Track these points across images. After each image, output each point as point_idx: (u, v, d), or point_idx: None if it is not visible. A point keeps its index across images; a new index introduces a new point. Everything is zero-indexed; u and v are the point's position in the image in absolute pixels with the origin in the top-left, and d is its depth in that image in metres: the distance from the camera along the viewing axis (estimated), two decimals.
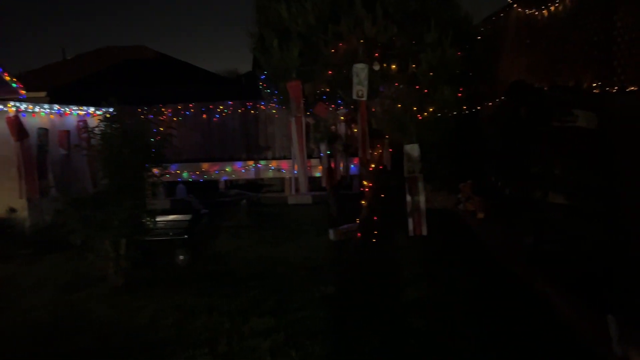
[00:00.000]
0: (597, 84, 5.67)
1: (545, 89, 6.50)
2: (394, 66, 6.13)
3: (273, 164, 11.76)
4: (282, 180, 12.31)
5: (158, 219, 6.81)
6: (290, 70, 6.28)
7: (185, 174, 11.73)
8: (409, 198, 6.45)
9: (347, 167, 8.33)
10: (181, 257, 6.79)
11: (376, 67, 6.09)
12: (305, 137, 6.61)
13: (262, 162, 11.81)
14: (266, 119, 12.39)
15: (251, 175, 11.83)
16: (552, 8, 6.89)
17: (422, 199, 6.38)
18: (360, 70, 6.00)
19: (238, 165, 11.79)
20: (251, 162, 11.80)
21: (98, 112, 10.17)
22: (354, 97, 6.14)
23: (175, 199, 10.51)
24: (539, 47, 7.30)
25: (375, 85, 6.26)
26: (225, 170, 11.77)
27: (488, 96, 8.82)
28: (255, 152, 12.31)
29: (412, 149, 6.37)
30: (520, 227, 6.15)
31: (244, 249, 7.54)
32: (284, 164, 11.73)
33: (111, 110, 8.99)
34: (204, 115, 12.41)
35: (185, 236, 6.91)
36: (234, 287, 5.85)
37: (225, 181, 12.13)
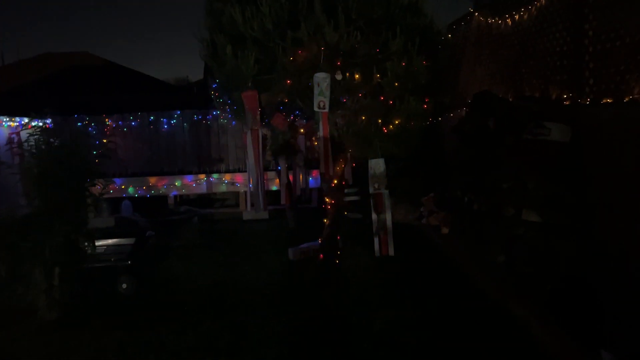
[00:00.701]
0: (567, 95, 5.45)
1: (512, 99, 6.26)
2: (357, 75, 5.71)
3: (227, 178, 11.13)
4: (236, 194, 11.72)
5: (98, 243, 6.11)
6: (246, 79, 5.75)
7: (130, 189, 10.93)
8: (374, 216, 6.04)
9: (306, 181, 7.86)
10: (124, 286, 6.11)
11: (338, 77, 5.66)
12: (261, 150, 6.09)
13: (215, 176, 11.16)
14: (219, 129, 11.77)
15: (203, 189, 11.15)
16: (517, 17, 6.69)
17: (388, 217, 5.98)
18: (321, 80, 5.55)
19: (189, 179, 11.09)
20: (203, 176, 11.13)
21: (33, 124, 9.30)
22: (315, 108, 5.68)
23: (120, 216, 9.72)
24: (503, 56, 7.09)
25: (338, 96, 5.82)
26: (174, 185, 11.05)
27: (451, 106, 8.57)
28: (207, 164, 11.65)
29: (377, 164, 5.97)
30: (490, 244, 5.84)
31: (196, 273, 6.92)
32: (239, 177, 11.13)
33: (48, 121, 8.16)
34: (152, 126, 11.67)
35: (129, 262, 6.22)
36: (184, 320, 5.25)
37: (175, 196, 11.36)
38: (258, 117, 5.91)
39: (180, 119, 11.66)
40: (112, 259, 6.25)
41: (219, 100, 8.15)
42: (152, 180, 11.00)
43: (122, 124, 11.53)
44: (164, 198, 11.19)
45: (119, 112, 11.56)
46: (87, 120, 11.12)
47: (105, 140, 10.60)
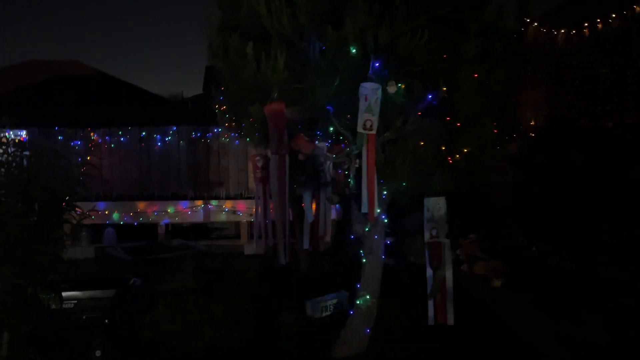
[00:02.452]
0: None
1: (608, 126, 4.95)
2: (415, 88, 4.37)
3: (227, 205, 9.67)
4: (235, 223, 10.25)
5: (67, 295, 4.63)
6: (271, 88, 4.39)
7: (115, 216, 9.42)
8: (429, 272, 4.65)
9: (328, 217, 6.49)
10: (98, 353, 4.64)
11: (392, 89, 4.31)
12: (288, 180, 4.70)
13: (214, 203, 9.69)
14: (219, 149, 10.37)
15: (199, 218, 9.66)
16: (586, 32, 5.43)
17: (448, 274, 4.59)
18: (370, 92, 4.22)
19: (183, 205, 9.62)
20: (200, 202, 9.65)
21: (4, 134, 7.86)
22: (360, 129, 4.34)
23: (103, 248, 8.22)
24: (576, 74, 5.81)
25: (390, 115, 4.47)
26: (166, 212, 9.56)
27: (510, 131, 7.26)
28: (204, 189, 10.21)
29: (436, 205, 4.61)
30: (584, 317, 4.45)
31: (189, 332, 5.45)
32: (241, 205, 9.67)
33: (22, 133, 6.86)
34: (143, 143, 10.25)
35: (106, 320, 4.77)
36: None
37: (166, 225, 9.81)
38: (286, 137, 4.53)
39: (176, 135, 10.26)
40: (85, 317, 4.78)
41: (226, 116, 6.85)
42: (141, 205, 9.50)
43: (109, 139, 10.10)
44: (153, 227, 9.66)
45: (107, 126, 10.13)
46: (68, 133, 9.67)
47: (89, 158, 9.19)
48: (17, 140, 4.75)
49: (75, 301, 4.82)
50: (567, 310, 4.81)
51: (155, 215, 9.51)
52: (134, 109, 13.44)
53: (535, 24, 6.67)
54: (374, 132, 4.34)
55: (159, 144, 10.24)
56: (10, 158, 4.40)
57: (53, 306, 4.39)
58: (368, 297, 4.87)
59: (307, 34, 4.39)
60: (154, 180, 10.13)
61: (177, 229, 10.09)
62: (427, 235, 4.62)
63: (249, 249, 9.37)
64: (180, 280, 7.14)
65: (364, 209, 4.51)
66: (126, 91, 17.27)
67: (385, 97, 4.29)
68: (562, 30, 5.92)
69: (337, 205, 9.84)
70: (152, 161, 10.29)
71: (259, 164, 7.68)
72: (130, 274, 6.09)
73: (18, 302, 4.13)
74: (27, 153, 4.61)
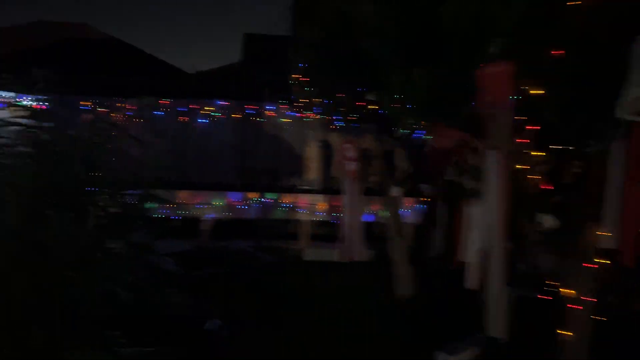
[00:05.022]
0: None
1: None
2: None
3: (286, 199, 7.91)
4: (286, 221, 8.50)
5: None
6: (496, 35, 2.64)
7: (149, 206, 7.64)
8: None
9: None
10: None
11: None
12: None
13: (270, 196, 7.91)
14: (273, 130, 8.61)
15: (253, 214, 7.87)
16: None
17: None
18: None
19: (233, 197, 7.83)
20: (254, 195, 7.86)
21: (17, 102, 6.06)
22: (624, 114, 2.64)
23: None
24: None
25: None
26: (212, 205, 7.78)
27: None
28: (252, 178, 8.45)
29: None
30: None
31: None
32: (302, 201, 7.92)
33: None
34: (181, 118, 8.46)
35: None
36: None
37: (211, 220, 7.96)
38: (510, 121, 2.77)
39: (222, 112, 8.47)
40: None
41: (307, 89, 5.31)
42: (183, 195, 7.68)
43: (141, 112, 8.32)
44: (194, 222, 7.82)
45: (138, 96, 8.35)
46: (96, 102, 7.89)
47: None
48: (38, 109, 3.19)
49: None
50: None
51: (199, 209, 7.71)
52: (163, 79, 11.59)
53: None
54: None
55: (202, 120, 8.45)
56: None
57: None
58: None
59: None
60: (194, 164, 8.37)
61: (221, 226, 8.26)
62: None
63: (310, 253, 7.67)
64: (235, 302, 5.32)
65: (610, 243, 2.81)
66: (146, 61, 15.40)
67: None
68: None
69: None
70: (191, 141, 8.53)
71: (349, 155, 6.02)
72: (192, 301, 4.36)
73: None
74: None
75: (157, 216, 7.59)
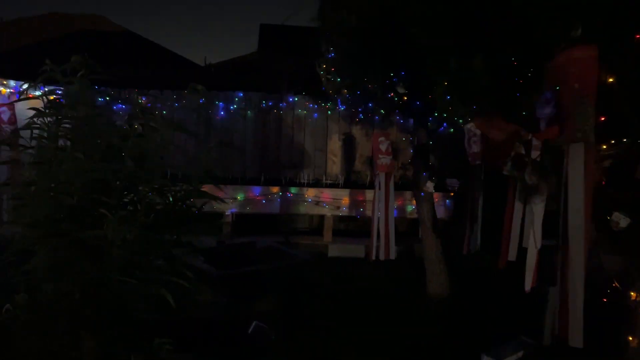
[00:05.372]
0: None
1: None
2: None
3: (309, 194, 7.72)
4: (310, 216, 8.35)
5: None
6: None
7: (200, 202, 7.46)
8: None
9: None
10: None
11: None
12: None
13: (293, 190, 7.74)
14: (294, 123, 8.42)
15: (275, 208, 7.68)
16: None
17: None
18: None
19: (255, 191, 7.66)
20: (276, 189, 7.69)
21: (37, 93, 5.89)
22: None
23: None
24: None
25: None
26: (234, 199, 7.62)
27: None
28: (275, 172, 8.28)
29: None
30: None
31: None
32: (326, 195, 7.73)
33: (58, 91, 4.90)
34: (203, 110, 8.30)
35: None
36: None
37: (232, 215, 7.81)
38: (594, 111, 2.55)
39: (242, 103, 8.29)
40: None
41: (333, 79, 5.20)
42: (205, 189, 7.49)
43: (159, 106, 8.14)
44: (216, 217, 7.67)
45: (159, 88, 8.19)
46: (113, 93, 7.71)
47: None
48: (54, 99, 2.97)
49: None
50: None
51: (221, 203, 7.50)
52: (176, 72, 11.40)
53: None
54: None
55: (222, 112, 8.27)
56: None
57: None
58: None
59: None
60: (215, 157, 8.19)
61: (243, 220, 8.10)
62: None
63: (334, 249, 7.50)
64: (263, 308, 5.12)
65: None
66: (160, 54, 15.24)
67: None
68: None
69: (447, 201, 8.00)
70: (213, 134, 8.37)
71: (383, 148, 5.81)
72: (226, 302, 4.19)
73: None
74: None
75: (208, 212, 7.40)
